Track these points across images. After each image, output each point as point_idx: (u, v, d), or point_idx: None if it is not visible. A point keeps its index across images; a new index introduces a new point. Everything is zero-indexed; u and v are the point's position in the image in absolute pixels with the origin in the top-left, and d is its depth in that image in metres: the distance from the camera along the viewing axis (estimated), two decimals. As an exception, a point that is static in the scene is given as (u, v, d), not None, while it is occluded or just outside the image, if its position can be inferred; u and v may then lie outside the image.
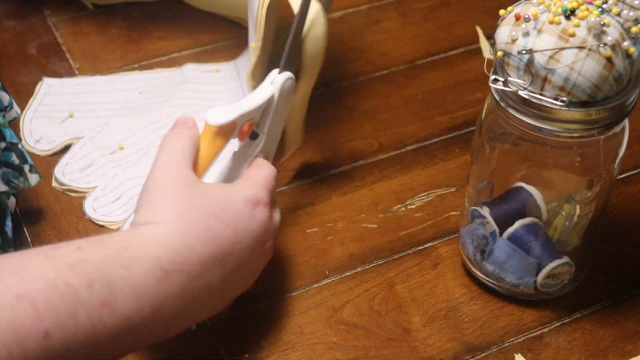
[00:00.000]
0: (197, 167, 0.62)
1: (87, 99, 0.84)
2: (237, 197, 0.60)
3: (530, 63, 0.56)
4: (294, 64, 0.68)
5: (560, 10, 0.56)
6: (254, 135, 0.67)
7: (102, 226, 0.73)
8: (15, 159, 0.69)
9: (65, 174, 0.77)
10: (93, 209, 0.75)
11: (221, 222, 0.58)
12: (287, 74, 0.67)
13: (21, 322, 0.47)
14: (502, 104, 0.59)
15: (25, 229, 0.73)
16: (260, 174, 0.63)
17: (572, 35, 0.55)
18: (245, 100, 0.65)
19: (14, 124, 0.78)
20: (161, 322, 0.55)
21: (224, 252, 0.58)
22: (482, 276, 0.68)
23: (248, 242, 0.59)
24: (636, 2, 0.57)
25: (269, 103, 0.66)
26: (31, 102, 0.83)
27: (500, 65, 0.58)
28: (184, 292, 0.55)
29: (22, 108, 0.83)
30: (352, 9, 0.96)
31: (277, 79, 0.66)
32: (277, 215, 0.64)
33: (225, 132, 0.63)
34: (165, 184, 0.59)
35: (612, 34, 0.55)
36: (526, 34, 0.56)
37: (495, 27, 0.59)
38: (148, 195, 0.59)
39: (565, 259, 0.66)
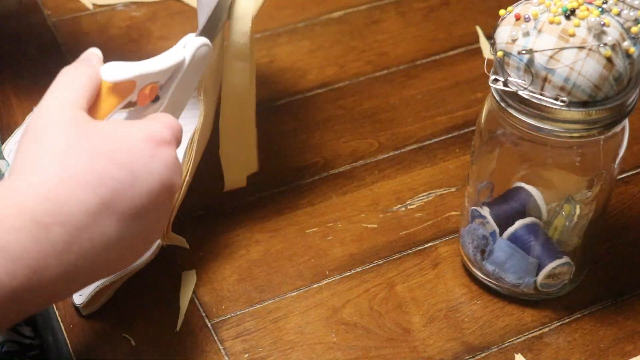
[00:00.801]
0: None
1: None
2: (136, 135, 0.53)
3: (530, 63, 0.56)
4: (213, 31, 0.63)
5: (560, 10, 0.56)
6: (155, 99, 0.61)
7: None
8: None
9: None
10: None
11: (113, 164, 0.51)
12: (203, 39, 0.61)
13: None
14: (502, 104, 0.59)
15: None
16: (164, 117, 0.56)
17: (572, 35, 0.55)
18: (152, 60, 0.58)
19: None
20: (46, 282, 0.48)
21: (118, 197, 0.50)
22: (482, 276, 0.68)
23: (150, 185, 0.52)
24: (636, 2, 0.57)
25: (177, 67, 0.60)
26: (15, 132, 0.77)
27: (500, 65, 0.58)
28: (71, 246, 0.48)
29: (21, 114, 0.82)
30: (352, 9, 0.96)
31: (191, 43, 0.60)
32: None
33: (121, 90, 0.56)
34: (48, 123, 0.51)
35: (612, 34, 0.55)
36: (526, 34, 0.56)
37: (495, 27, 0.59)
38: (28, 137, 0.51)
39: (565, 259, 0.66)
